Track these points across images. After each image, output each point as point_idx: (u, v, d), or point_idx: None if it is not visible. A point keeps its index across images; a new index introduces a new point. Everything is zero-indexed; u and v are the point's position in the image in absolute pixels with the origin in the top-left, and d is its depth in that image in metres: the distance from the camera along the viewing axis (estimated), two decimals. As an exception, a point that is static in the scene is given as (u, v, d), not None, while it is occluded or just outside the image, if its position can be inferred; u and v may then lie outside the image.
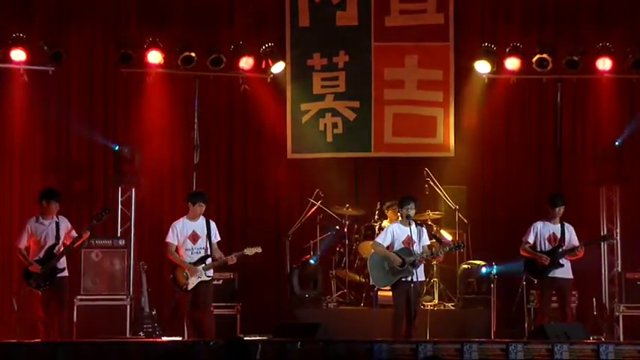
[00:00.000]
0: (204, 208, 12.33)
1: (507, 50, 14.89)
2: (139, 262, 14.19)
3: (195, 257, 12.19)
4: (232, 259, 12.22)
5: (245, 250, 12.26)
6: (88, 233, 12.44)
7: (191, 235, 12.23)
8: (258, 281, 14.69)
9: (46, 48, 14.48)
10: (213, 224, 12.34)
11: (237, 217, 14.94)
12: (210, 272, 12.27)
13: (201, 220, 12.32)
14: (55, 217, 12.34)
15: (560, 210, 12.59)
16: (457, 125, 15.36)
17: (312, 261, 14.45)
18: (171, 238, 12.25)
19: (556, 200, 12.64)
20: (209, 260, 12.19)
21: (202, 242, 12.22)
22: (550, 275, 12.49)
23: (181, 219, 12.43)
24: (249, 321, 13.94)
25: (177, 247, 12.26)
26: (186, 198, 12.66)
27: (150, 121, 15.15)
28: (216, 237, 12.32)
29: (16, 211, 14.80)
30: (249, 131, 15.57)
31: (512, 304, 13.54)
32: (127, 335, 13.55)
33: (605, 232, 14.41)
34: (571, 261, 12.56)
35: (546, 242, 12.57)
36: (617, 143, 14.66)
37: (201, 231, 12.25)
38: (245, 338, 12.67)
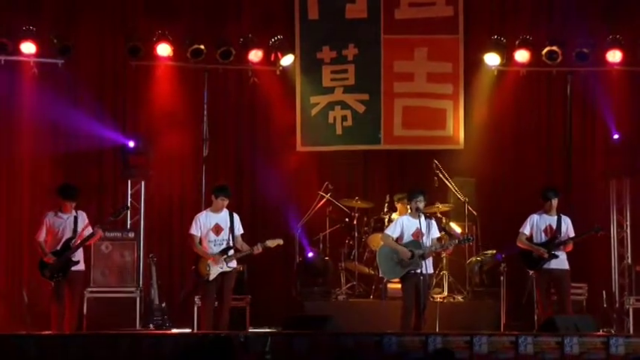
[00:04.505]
0: (226, 202, 12.42)
1: (517, 42, 14.86)
2: (148, 254, 14.23)
3: (218, 249, 12.27)
4: (258, 249, 12.31)
5: (267, 242, 12.35)
6: (100, 233, 12.59)
7: (214, 227, 12.32)
8: (267, 273, 14.72)
9: (55, 41, 14.51)
10: (236, 217, 12.43)
11: (246, 209, 14.92)
12: (233, 264, 12.38)
13: (225, 212, 12.41)
14: (74, 211, 12.48)
15: (551, 203, 12.59)
16: (467, 118, 15.34)
17: (309, 254, 14.48)
18: (194, 230, 12.36)
19: (547, 194, 12.67)
20: (231, 252, 12.27)
21: (225, 234, 12.32)
22: (545, 267, 12.52)
23: (205, 211, 12.55)
24: (258, 313, 13.95)
25: (200, 238, 12.32)
26: (211, 190, 12.70)
27: (159, 113, 15.16)
28: (239, 230, 12.41)
29: (25, 204, 14.84)
30: (258, 124, 15.57)
31: (522, 297, 13.52)
32: (137, 327, 13.59)
33: (614, 222, 14.43)
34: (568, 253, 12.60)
35: (542, 234, 12.62)
36: (615, 137, 14.64)
37: (225, 223, 12.34)
38: (254, 330, 12.80)
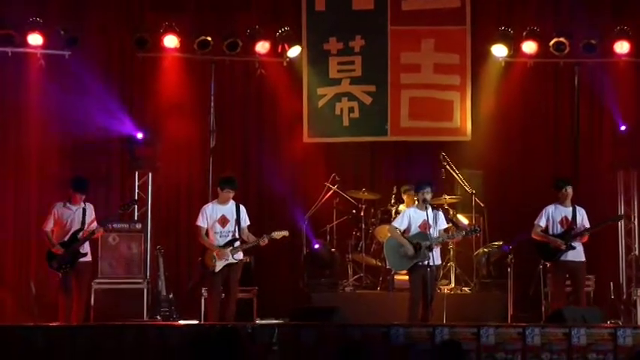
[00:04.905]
0: (232, 194, 12.40)
1: (524, 34, 14.83)
2: (155, 245, 14.24)
3: (224, 240, 12.27)
4: (264, 241, 12.30)
5: (273, 234, 12.34)
6: (101, 232, 12.72)
7: (220, 218, 12.32)
8: (274, 265, 14.74)
9: (62, 32, 14.51)
10: (242, 209, 12.42)
11: (253, 201, 14.92)
12: (239, 255, 12.37)
13: (231, 204, 12.40)
14: (83, 203, 12.52)
15: (565, 192, 12.56)
16: (474, 109, 15.32)
17: (315, 246, 14.49)
18: (201, 222, 12.36)
19: (558, 183, 12.67)
20: (237, 243, 12.28)
21: (231, 226, 12.31)
22: (562, 258, 12.48)
23: (211, 203, 12.56)
24: (265, 305, 13.97)
25: (207, 230, 12.33)
26: (217, 182, 12.72)
27: (166, 105, 15.16)
28: (245, 221, 12.40)
29: (33, 195, 14.84)
30: (265, 115, 15.57)
31: (529, 288, 13.51)
32: (144, 319, 13.60)
33: (620, 212, 14.40)
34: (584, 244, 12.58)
35: (558, 225, 12.57)
36: (622, 128, 14.60)
37: (231, 215, 12.33)
38: (261, 322, 12.82)
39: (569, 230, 12.49)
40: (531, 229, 12.74)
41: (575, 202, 12.75)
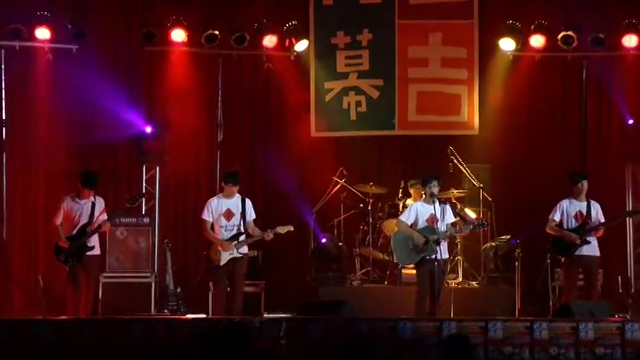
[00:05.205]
0: (236, 189, 12.39)
1: (532, 27, 14.80)
2: (163, 239, 14.26)
3: (229, 234, 12.28)
4: (269, 235, 12.30)
5: (277, 229, 12.33)
6: (108, 226, 12.74)
7: (225, 212, 12.32)
8: (282, 259, 14.75)
9: (70, 26, 14.51)
10: (248, 202, 12.41)
11: (260, 195, 14.94)
12: (244, 249, 12.38)
13: (237, 198, 12.40)
14: (92, 197, 12.55)
15: (581, 186, 12.51)
16: (481, 103, 15.29)
17: (322, 240, 14.50)
18: (206, 215, 12.37)
19: (574, 177, 12.63)
20: (242, 237, 12.28)
21: (236, 220, 12.31)
22: (577, 253, 12.44)
23: (216, 196, 12.57)
24: (273, 299, 13.98)
25: (212, 224, 12.34)
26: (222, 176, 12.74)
27: (173, 99, 15.17)
28: (251, 215, 12.39)
29: (40, 189, 14.86)
30: (272, 109, 15.57)
31: (537, 282, 13.50)
32: (152, 312, 13.63)
33: (630, 207, 14.36)
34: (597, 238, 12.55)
35: (572, 220, 12.52)
36: (630, 122, 14.57)
37: (236, 209, 12.33)
38: (269, 316, 12.83)
39: (584, 225, 12.44)
40: (539, 222, 12.73)
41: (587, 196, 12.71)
